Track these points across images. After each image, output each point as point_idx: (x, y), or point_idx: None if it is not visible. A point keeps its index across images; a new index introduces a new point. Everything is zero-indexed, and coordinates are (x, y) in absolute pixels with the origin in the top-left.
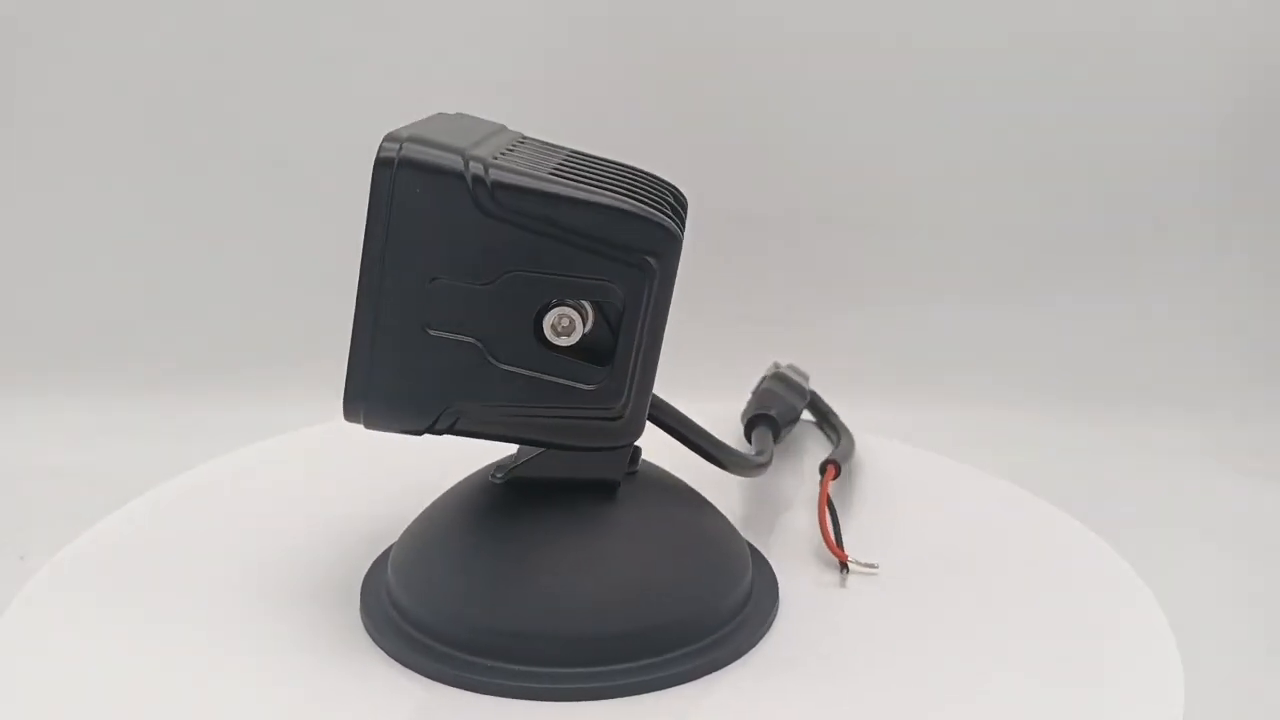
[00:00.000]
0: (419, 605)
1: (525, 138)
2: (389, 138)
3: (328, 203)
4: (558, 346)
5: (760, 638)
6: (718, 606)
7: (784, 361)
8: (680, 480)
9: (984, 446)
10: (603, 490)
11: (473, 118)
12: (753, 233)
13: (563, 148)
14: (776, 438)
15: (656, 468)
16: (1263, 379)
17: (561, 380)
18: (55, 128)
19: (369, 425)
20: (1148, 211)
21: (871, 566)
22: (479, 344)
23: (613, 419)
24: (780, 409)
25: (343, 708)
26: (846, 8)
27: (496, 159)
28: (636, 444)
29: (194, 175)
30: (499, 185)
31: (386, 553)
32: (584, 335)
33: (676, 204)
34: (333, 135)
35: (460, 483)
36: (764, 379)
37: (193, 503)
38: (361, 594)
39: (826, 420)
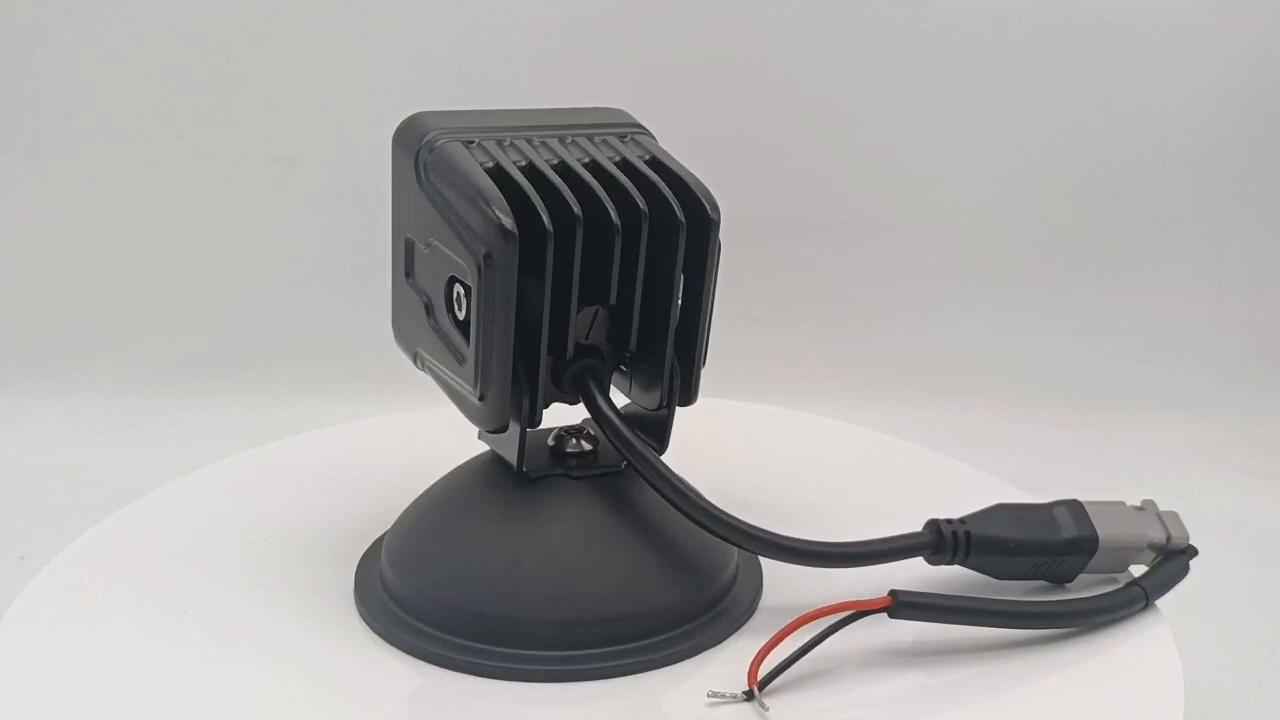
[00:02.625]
0: (409, 589)
1: (603, 137)
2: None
3: (330, 203)
4: (457, 318)
5: (741, 625)
6: (699, 594)
7: (1165, 507)
8: (672, 471)
9: (984, 446)
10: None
11: (588, 110)
12: (754, 233)
13: (634, 148)
14: (941, 556)
15: None
16: (1263, 379)
17: (452, 350)
18: (55, 127)
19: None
20: (1148, 211)
21: (764, 709)
22: (425, 299)
23: (479, 399)
24: (987, 529)
25: (337, 689)
26: (846, 10)
27: (459, 145)
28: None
29: (194, 175)
30: (428, 165)
31: (380, 539)
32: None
33: (611, 209)
34: (334, 135)
35: (453, 471)
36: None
37: (191, 503)
38: (355, 579)
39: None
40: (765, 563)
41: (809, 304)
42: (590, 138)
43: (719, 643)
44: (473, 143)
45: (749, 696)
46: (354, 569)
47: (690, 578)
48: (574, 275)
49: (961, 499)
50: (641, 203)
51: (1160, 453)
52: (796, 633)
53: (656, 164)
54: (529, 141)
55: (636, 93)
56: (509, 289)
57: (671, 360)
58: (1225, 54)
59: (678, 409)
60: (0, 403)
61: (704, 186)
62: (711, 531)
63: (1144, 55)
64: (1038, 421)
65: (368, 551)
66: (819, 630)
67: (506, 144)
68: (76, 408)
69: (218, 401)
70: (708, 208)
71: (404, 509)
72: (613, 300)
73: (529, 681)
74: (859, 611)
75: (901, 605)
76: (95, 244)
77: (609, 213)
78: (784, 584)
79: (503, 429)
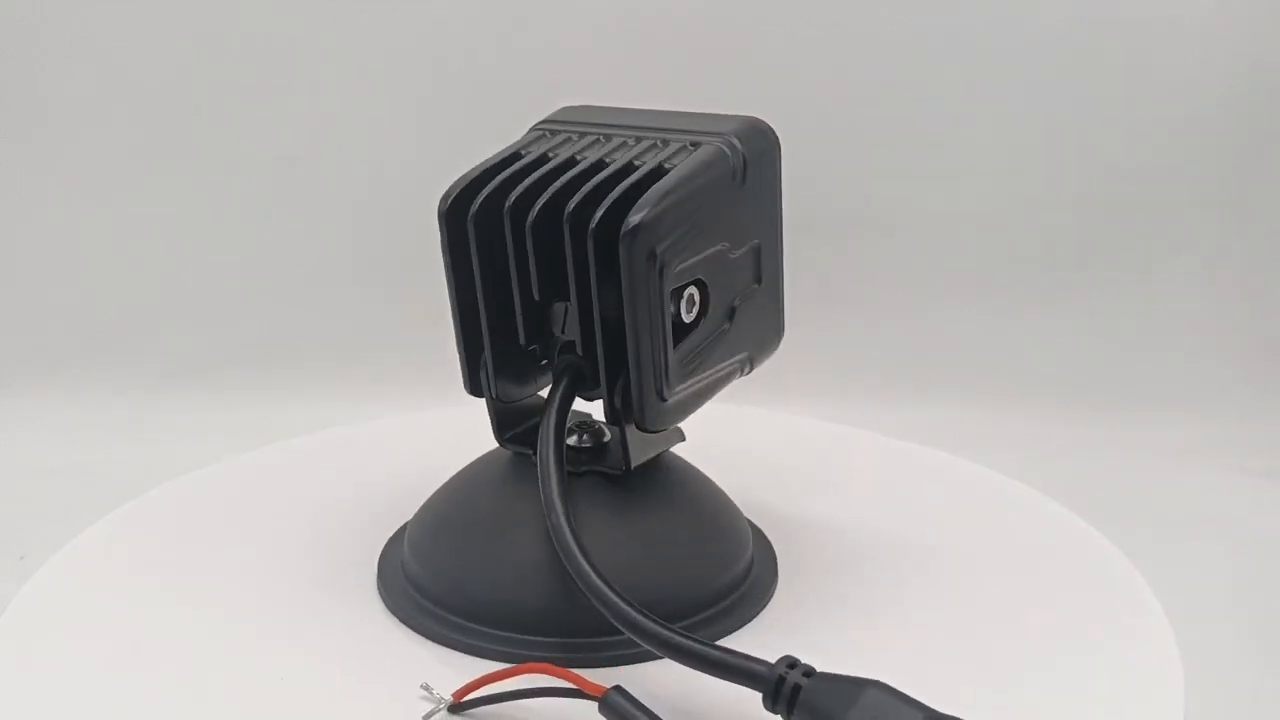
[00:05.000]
0: (430, 577)
1: (667, 141)
2: None
3: (329, 204)
4: None
5: (758, 612)
6: (715, 582)
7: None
8: (686, 462)
9: (984, 446)
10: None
11: (717, 116)
12: None
13: (674, 156)
14: (769, 701)
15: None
16: (1263, 379)
17: None
18: (56, 129)
19: None
20: (1148, 211)
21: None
22: None
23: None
24: (823, 696)
25: (357, 674)
26: (847, 13)
27: (536, 133)
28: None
29: (194, 175)
30: None
31: (402, 529)
32: None
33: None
34: (337, 135)
35: (473, 462)
36: None
37: (191, 502)
38: (378, 567)
39: None
40: (782, 560)
41: (809, 304)
42: (656, 142)
43: (737, 630)
44: (555, 133)
45: (451, 707)
46: (348, 566)
47: (712, 563)
48: (510, 263)
49: (962, 496)
50: (572, 204)
51: (1160, 453)
52: (535, 675)
53: (655, 172)
54: (599, 139)
55: (637, 94)
56: (449, 264)
57: (603, 373)
58: (1225, 55)
59: (644, 431)
60: (0, 403)
61: (657, 203)
62: (567, 568)
63: (1144, 56)
64: (1038, 421)
65: (390, 540)
66: (537, 685)
67: (575, 138)
68: (76, 407)
69: (218, 401)
70: (631, 220)
71: (428, 498)
72: (536, 296)
73: (514, 664)
74: (575, 688)
75: (608, 703)
76: (95, 244)
77: (531, 208)
78: (801, 582)
79: (476, 394)
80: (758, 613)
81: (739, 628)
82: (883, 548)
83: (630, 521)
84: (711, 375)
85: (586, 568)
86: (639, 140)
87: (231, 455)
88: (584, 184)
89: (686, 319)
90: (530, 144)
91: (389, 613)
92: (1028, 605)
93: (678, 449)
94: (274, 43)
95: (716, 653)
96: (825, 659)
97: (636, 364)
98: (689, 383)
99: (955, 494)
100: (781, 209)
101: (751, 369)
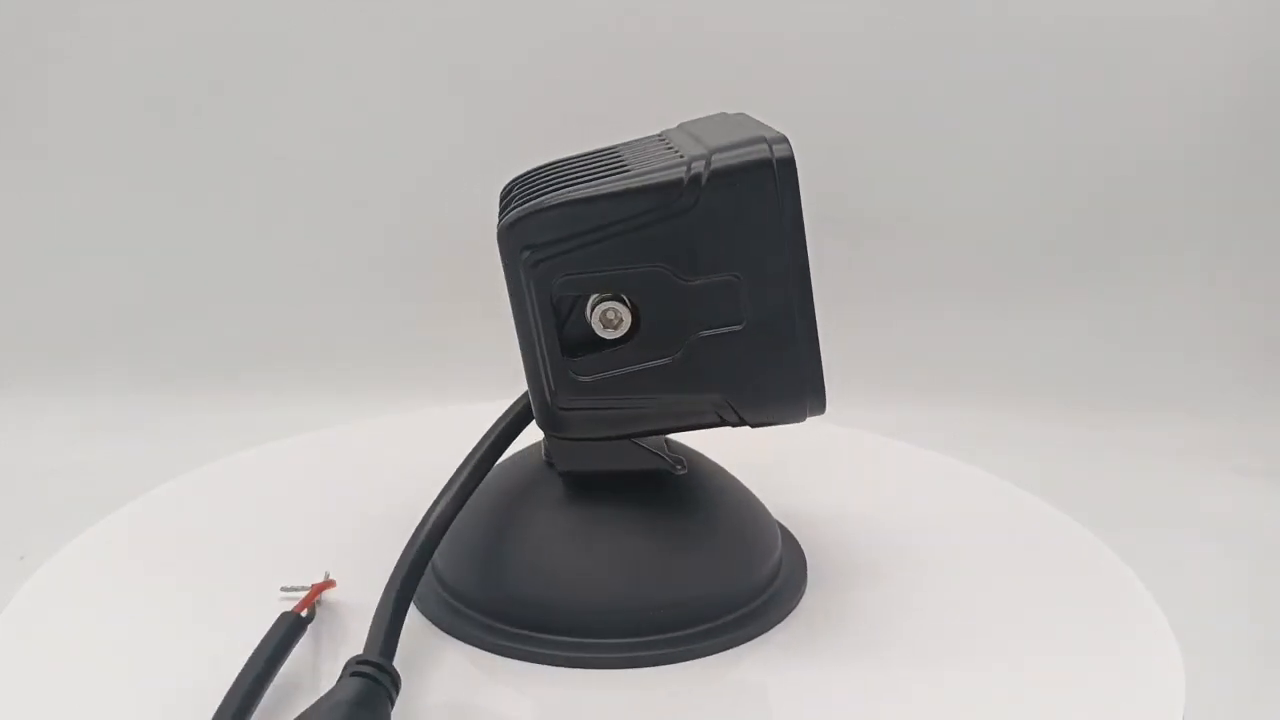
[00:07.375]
0: (458, 576)
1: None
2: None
3: (329, 204)
4: None
5: (788, 613)
6: (746, 583)
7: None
8: (716, 464)
9: (984, 446)
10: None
11: (749, 130)
12: None
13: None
14: None
15: (693, 452)
16: (1263, 379)
17: None
18: (55, 128)
19: None
20: (1148, 213)
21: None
22: None
23: None
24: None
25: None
26: (846, 15)
27: (660, 137)
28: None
29: (194, 175)
30: None
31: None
32: None
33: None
34: (336, 136)
35: (501, 463)
36: None
37: (190, 501)
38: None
39: None
40: (810, 560)
41: None
42: (672, 151)
43: (768, 630)
44: (663, 138)
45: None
46: (357, 565)
47: (743, 565)
48: None
49: (962, 499)
50: (519, 202)
51: (1160, 453)
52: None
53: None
54: (663, 141)
55: (633, 96)
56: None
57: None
58: (1225, 55)
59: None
60: (0, 403)
61: (537, 203)
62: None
63: (1144, 56)
64: (1038, 421)
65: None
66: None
67: (655, 143)
68: (76, 408)
69: (218, 401)
70: (507, 216)
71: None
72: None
73: (550, 665)
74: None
75: (283, 618)
76: (95, 244)
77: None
78: (829, 583)
79: None
80: (783, 617)
81: (768, 629)
82: (888, 551)
83: (655, 522)
84: (649, 403)
85: (421, 541)
86: (669, 149)
87: (231, 455)
88: (550, 183)
89: (604, 334)
90: (627, 144)
91: (419, 614)
92: (1029, 606)
93: (714, 451)
94: (274, 44)
95: (379, 633)
96: (842, 667)
97: (529, 362)
98: (602, 400)
99: (956, 495)
100: (795, 253)
101: (744, 421)
